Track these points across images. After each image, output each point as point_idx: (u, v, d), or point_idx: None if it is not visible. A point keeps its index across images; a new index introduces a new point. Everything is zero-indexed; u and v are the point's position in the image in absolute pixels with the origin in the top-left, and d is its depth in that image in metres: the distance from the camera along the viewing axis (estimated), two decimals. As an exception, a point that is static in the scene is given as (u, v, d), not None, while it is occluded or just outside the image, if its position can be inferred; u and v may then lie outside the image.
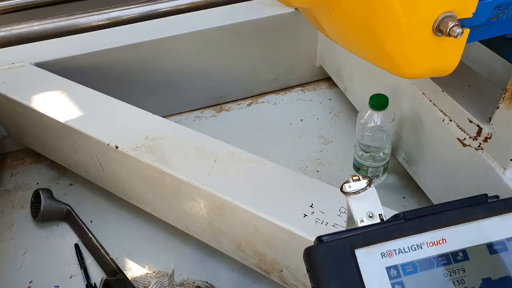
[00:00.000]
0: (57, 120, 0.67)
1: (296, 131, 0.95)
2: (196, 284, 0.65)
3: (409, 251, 0.31)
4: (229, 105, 1.05)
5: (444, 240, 0.31)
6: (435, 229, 0.32)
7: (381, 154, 0.73)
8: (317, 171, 0.84)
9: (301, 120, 0.99)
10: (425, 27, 0.38)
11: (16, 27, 0.89)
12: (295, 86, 1.08)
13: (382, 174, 0.77)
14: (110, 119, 0.67)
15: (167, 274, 0.62)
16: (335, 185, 0.55)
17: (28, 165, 0.92)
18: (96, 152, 0.67)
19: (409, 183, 0.77)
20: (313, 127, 0.96)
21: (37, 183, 0.87)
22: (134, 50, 0.87)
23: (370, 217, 0.36)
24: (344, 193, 0.38)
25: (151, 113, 0.67)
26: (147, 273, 0.68)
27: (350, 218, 0.38)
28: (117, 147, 0.61)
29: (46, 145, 0.82)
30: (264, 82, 1.05)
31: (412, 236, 0.32)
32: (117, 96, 0.73)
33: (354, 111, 0.95)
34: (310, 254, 0.33)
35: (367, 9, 0.40)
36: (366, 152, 0.73)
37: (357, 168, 0.78)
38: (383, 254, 0.32)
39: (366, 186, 0.38)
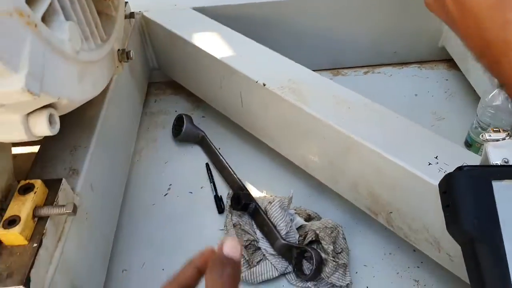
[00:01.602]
0: (213, 56, 0.80)
1: (409, 105, 1.00)
2: (307, 212, 0.76)
3: (544, 189, 0.37)
4: (345, 70, 1.12)
5: None
6: None
7: (499, 133, 0.76)
8: (427, 142, 0.89)
9: (416, 95, 1.02)
10: None
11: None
12: (412, 62, 1.11)
13: (495, 154, 0.79)
14: (258, 61, 0.78)
15: (286, 197, 0.73)
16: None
17: (168, 95, 1.08)
18: (241, 88, 0.79)
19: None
20: (426, 103, 1.00)
21: (175, 111, 1.03)
22: (273, 7, 0.97)
23: (505, 162, 0.42)
24: (484, 140, 0.44)
25: (293, 61, 0.77)
26: (266, 196, 0.80)
27: (485, 161, 0.44)
28: (264, 85, 0.72)
29: (191, 79, 0.97)
30: (383, 54, 1.10)
31: (548, 178, 0.38)
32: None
33: (471, 93, 0.97)
34: (450, 179, 0.40)
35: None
36: (483, 130, 0.76)
37: (469, 144, 0.81)
38: (517, 188, 0.38)
39: (506, 137, 0.43)
